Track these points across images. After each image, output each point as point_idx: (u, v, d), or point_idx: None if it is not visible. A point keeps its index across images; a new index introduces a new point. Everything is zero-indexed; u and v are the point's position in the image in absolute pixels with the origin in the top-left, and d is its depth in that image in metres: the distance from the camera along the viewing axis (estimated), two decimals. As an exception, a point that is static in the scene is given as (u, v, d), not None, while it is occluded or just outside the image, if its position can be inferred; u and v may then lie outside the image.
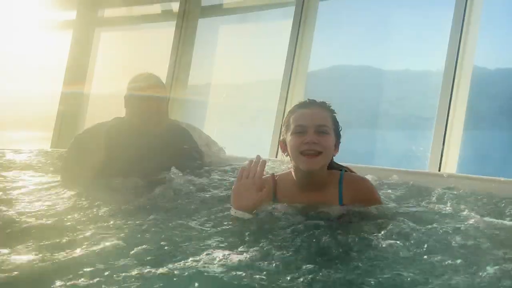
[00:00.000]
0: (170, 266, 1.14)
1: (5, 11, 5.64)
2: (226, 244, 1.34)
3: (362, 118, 3.88)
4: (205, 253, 1.23)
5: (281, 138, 1.68)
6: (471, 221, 1.49)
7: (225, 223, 1.55)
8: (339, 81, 4.18)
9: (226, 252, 1.23)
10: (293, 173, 1.65)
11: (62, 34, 5.64)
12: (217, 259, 1.18)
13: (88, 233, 1.44)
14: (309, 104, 1.66)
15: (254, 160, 1.60)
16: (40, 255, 1.22)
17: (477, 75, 3.18)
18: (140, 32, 5.33)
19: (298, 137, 1.57)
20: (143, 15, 5.30)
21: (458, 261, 1.17)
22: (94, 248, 1.27)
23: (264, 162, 1.60)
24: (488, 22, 3.29)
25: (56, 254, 1.23)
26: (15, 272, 1.12)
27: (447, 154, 3.00)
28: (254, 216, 1.55)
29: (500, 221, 1.54)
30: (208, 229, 1.49)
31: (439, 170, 2.94)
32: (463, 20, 3.13)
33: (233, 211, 1.56)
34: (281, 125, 1.73)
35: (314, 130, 1.57)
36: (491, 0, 3.32)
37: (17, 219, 1.58)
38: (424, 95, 3.54)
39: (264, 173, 1.63)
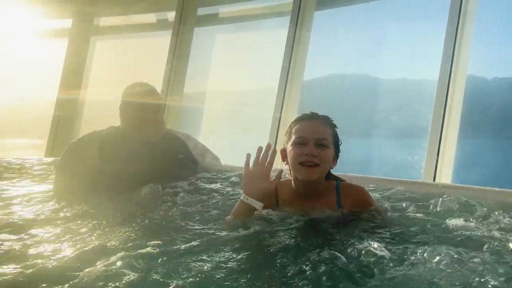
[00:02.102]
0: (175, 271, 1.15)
1: (2, 19, 5.64)
2: (223, 251, 1.34)
3: (357, 127, 3.90)
4: (203, 259, 1.25)
5: (283, 146, 1.73)
6: (463, 231, 1.50)
7: (222, 232, 1.55)
8: (335, 90, 4.20)
9: (223, 258, 1.25)
10: (292, 181, 1.69)
11: (58, 42, 5.64)
12: (214, 265, 1.20)
13: (76, 244, 1.42)
14: (311, 116, 1.71)
15: (264, 148, 1.63)
16: (26, 266, 1.21)
17: (474, 84, 3.20)
18: (136, 41, 5.34)
19: (298, 148, 1.63)
20: (139, 24, 5.32)
21: (449, 269, 1.18)
22: (82, 260, 1.26)
23: (275, 150, 1.64)
24: (485, 32, 3.33)
25: (43, 266, 1.22)
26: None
27: (442, 164, 3.01)
28: (261, 210, 1.59)
29: (494, 231, 1.54)
30: (203, 239, 1.49)
31: (434, 180, 2.94)
32: (456, 30, 3.17)
33: (244, 198, 1.60)
34: (284, 134, 1.78)
35: (314, 142, 1.62)
36: (485, 10, 3.36)
37: (5, 229, 1.57)
38: (421, 104, 3.56)
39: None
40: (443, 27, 3.25)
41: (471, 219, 1.74)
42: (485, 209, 1.88)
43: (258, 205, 1.58)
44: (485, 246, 1.37)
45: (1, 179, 2.67)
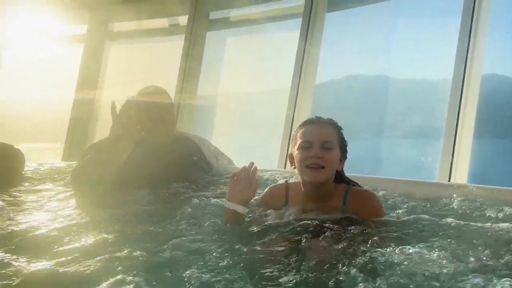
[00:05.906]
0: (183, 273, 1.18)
1: (23, 26, 5.80)
2: (222, 246, 1.41)
3: (371, 128, 3.87)
4: (207, 255, 1.32)
5: (290, 152, 1.80)
6: (482, 233, 1.48)
7: (223, 232, 1.59)
8: (350, 91, 4.18)
9: (219, 255, 1.31)
10: (301, 184, 1.74)
11: (74, 47, 5.76)
12: (212, 260, 1.27)
13: (92, 246, 1.46)
14: (315, 120, 1.76)
15: (247, 166, 1.76)
16: (44, 265, 1.25)
17: (495, 83, 3.15)
18: (149, 45, 5.42)
19: (304, 152, 1.68)
20: (152, 29, 5.39)
21: (462, 273, 1.17)
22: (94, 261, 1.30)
23: (256, 168, 1.75)
24: (503, 29, 3.26)
25: (60, 267, 1.26)
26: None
27: (457, 164, 2.97)
28: (245, 213, 1.68)
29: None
30: (212, 236, 1.52)
31: (449, 181, 2.90)
32: (470, 28, 3.12)
33: (226, 203, 1.69)
34: (290, 140, 1.82)
35: (319, 145, 1.67)
36: (499, 7, 3.30)
37: (26, 230, 1.61)
38: (435, 104, 3.52)
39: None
40: (457, 25, 3.21)
41: (488, 221, 1.71)
42: (501, 208, 1.85)
43: (240, 208, 1.66)
44: (504, 250, 1.34)
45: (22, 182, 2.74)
